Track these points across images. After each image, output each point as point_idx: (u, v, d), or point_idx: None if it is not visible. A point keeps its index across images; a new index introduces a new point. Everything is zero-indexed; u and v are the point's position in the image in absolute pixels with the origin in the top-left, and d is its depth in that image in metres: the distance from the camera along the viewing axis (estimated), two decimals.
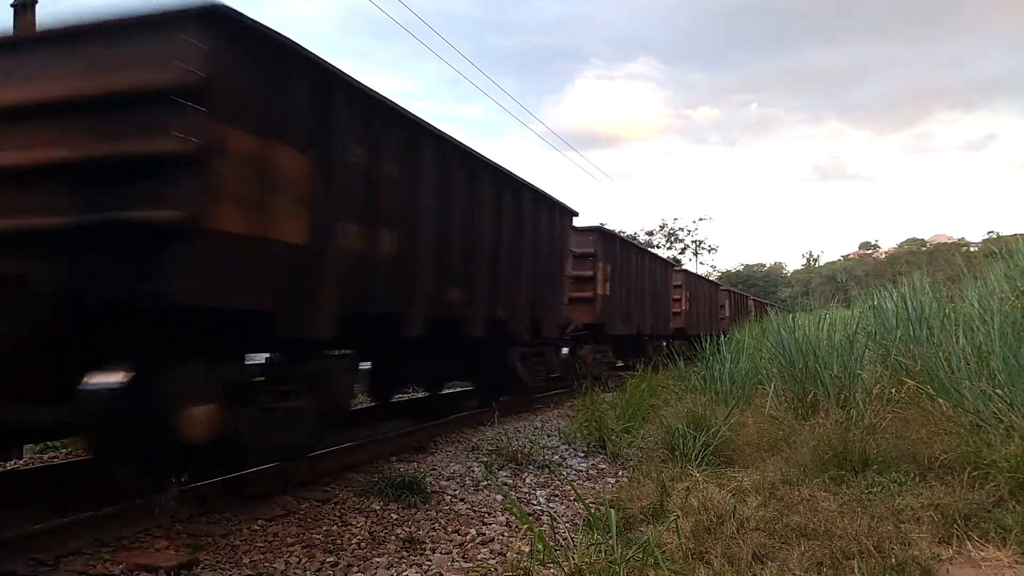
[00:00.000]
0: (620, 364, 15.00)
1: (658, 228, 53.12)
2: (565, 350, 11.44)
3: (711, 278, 35.45)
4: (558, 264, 9.63)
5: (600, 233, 12.60)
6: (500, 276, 7.51)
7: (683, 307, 19.09)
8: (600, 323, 12.20)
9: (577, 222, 10.70)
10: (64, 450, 6.32)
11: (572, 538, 3.43)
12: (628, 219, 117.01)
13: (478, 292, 6.94)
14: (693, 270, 33.30)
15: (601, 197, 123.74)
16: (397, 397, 9.60)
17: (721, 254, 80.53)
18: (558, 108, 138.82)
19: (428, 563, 3.54)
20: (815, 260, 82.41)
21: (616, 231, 13.58)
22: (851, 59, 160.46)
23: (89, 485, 4.34)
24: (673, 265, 18.58)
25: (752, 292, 44.64)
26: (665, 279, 17.28)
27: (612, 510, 3.32)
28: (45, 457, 6.04)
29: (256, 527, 3.88)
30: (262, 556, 3.49)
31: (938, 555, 3.28)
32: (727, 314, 25.63)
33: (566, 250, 9.95)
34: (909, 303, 7.43)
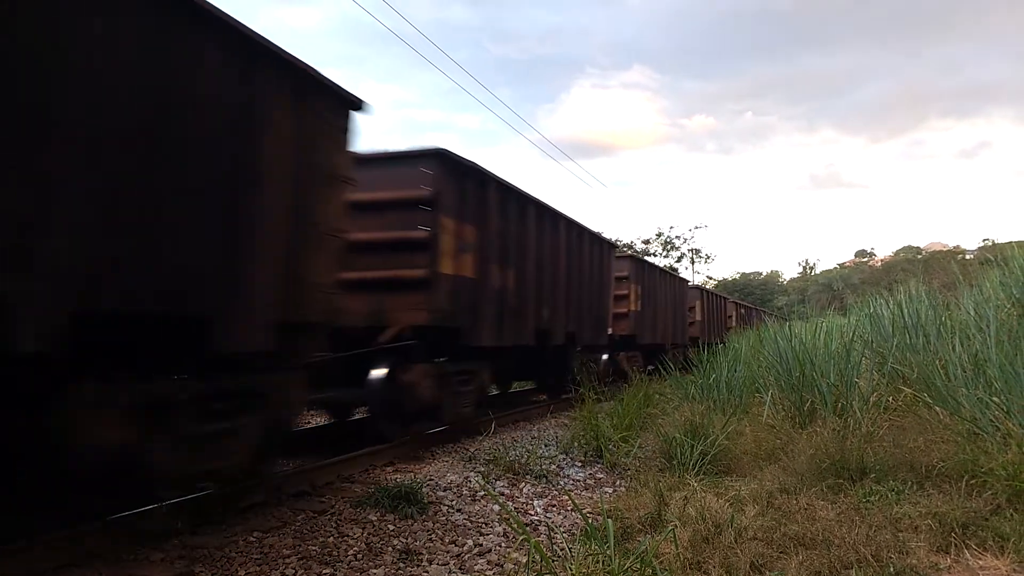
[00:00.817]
0: (536, 389, 10.12)
1: (654, 236, 53.16)
2: (378, 374, 6.38)
3: (707, 286, 34.31)
4: (307, 203, 4.59)
5: (443, 162, 6.86)
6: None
7: (631, 307, 14.31)
8: (449, 326, 7.03)
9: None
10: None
11: (569, 548, 3.42)
12: (625, 227, 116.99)
13: None
14: (689, 279, 32.15)
15: (598, 206, 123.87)
16: None
17: (718, 263, 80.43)
18: (554, 117, 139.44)
19: (425, 574, 3.53)
20: (811, 268, 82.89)
21: (488, 169, 7.69)
22: (844, 67, 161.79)
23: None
24: (614, 246, 13.62)
25: (748, 300, 44.46)
26: (602, 265, 12.12)
27: (610, 520, 3.31)
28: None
29: (252, 539, 3.86)
30: (258, 568, 3.47)
31: (936, 564, 3.28)
32: (698, 318, 20.51)
33: (332, 176, 4.83)
34: (905, 311, 7.45)
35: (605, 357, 13.10)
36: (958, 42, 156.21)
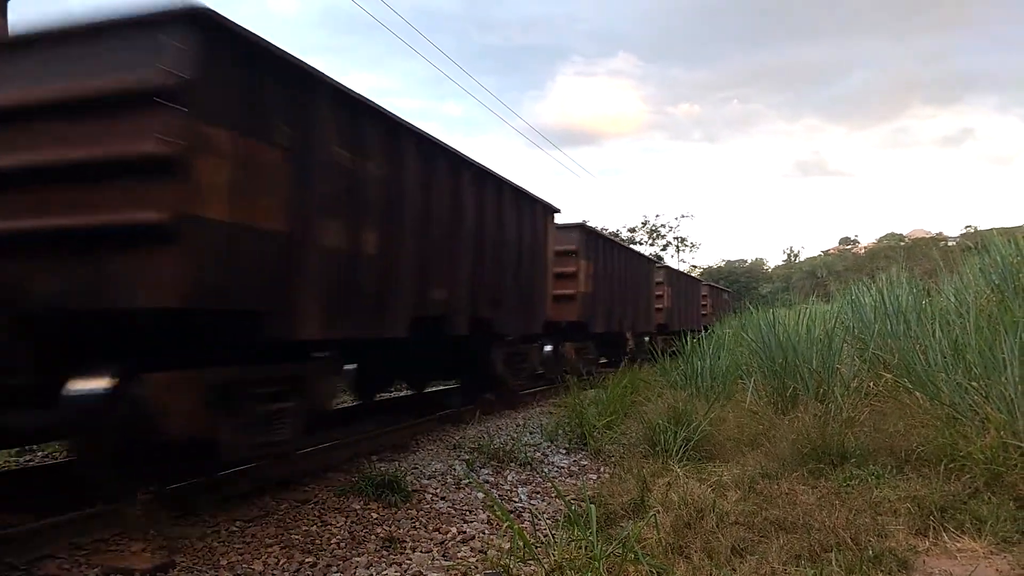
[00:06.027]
0: None
1: (640, 225, 53.19)
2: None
3: (694, 274, 33.16)
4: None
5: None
6: None
7: (580, 288, 11.23)
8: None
9: None
10: (40, 452, 6.22)
11: (553, 535, 3.43)
12: (611, 216, 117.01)
13: None
14: (675, 267, 31.08)
15: (584, 194, 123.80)
16: None
17: (703, 250, 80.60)
18: (539, 105, 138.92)
19: (408, 562, 3.52)
20: (795, 256, 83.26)
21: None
22: (829, 55, 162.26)
23: (66, 488, 4.28)
24: (556, 210, 9.48)
25: (733, 287, 44.31)
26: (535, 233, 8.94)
27: (593, 506, 3.32)
28: (21, 460, 5.95)
29: (234, 528, 3.84)
30: (240, 557, 3.45)
31: (915, 547, 3.31)
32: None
33: None
34: (887, 298, 7.49)
35: (548, 348, 10.94)
36: (941, 30, 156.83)
